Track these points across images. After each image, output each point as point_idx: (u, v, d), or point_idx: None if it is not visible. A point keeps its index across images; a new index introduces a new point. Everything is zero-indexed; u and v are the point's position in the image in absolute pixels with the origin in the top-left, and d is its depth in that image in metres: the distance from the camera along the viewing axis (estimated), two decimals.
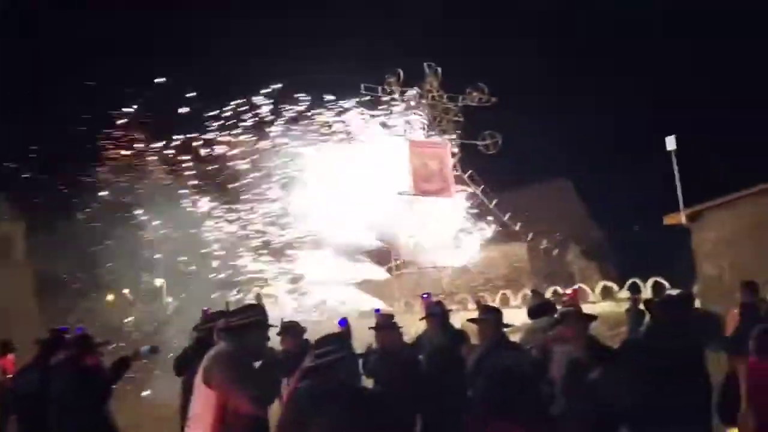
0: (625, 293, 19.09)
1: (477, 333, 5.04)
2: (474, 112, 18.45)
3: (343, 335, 3.66)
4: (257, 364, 3.71)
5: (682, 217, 16.69)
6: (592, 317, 4.31)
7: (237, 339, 3.63)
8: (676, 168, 16.45)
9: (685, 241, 17.21)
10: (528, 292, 6.30)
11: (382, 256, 19.89)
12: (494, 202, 22.04)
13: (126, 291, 24.67)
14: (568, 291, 4.91)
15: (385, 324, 5.46)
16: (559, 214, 32.51)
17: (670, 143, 16.63)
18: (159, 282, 24.49)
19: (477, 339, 5.14)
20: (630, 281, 20.21)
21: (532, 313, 5.99)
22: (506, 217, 22.95)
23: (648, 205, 19.55)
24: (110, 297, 24.88)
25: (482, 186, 19.29)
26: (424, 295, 7.05)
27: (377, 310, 5.85)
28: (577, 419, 3.78)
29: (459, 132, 18.90)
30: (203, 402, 3.51)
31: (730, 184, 16.33)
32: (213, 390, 3.44)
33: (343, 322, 5.19)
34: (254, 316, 3.76)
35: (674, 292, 16.08)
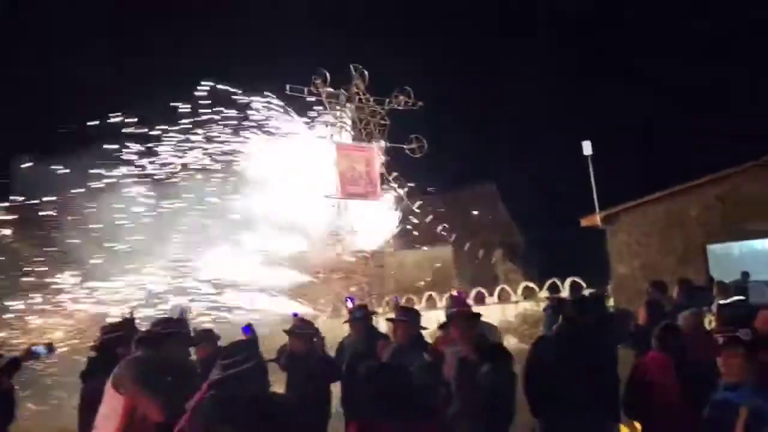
0: (545, 293, 19.75)
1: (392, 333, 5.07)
2: (401, 115, 18.62)
3: (250, 343, 3.56)
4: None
5: (597, 219, 17.45)
6: (476, 317, 4.44)
7: (154, 349, 3.65)
8: (591, 172, 17.16)
9: (601, 242, 18.00)
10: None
11: (308, 260, 19.72)
12: (417, 205, 22.28)
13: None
14: (454, 293, 5.06)
15: (293, 328, 5.44)
16: (483, 217, 33.35)
17: (587, 148, 17.34)
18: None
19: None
20: (549, 282, 20.94)
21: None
22: (428, 219, 23.27)
23: (567, 208, 20.30)
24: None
25: (406, 189, 19.49)
26: (348, 299, 7.02)
27: (294, 314, 5.78)
28: (470, 417, 3.91)
29: (385, 135, 18.97)
30: (112, 406, 3.50)
31: (643, 188, 17.24)
32: (122, 395, 3.45)
33: (247, 329, 5.08)
34: (175, 327, 3.81)
35: (588, 291, 16.80)
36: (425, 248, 32.49)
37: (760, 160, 15.21)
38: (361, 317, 5.76)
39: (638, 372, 4.61)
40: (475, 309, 9.41)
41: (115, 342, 4.41)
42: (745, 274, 12.62)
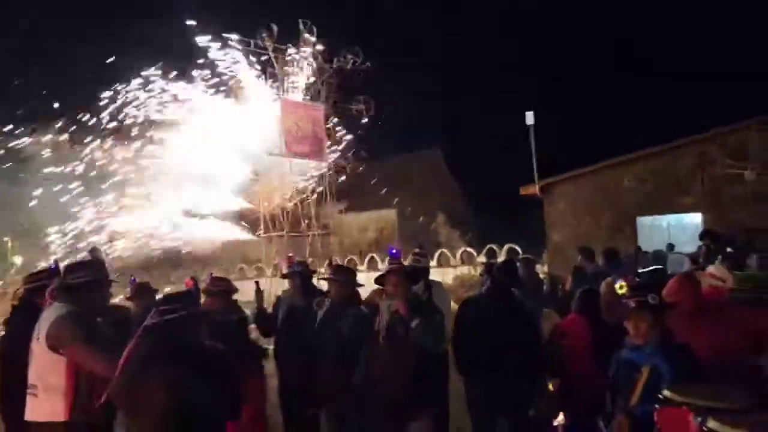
0: (483, 258, 20.30)
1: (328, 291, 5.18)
2: (350, 75, 18.36)
3: (190, 294, 3.59)
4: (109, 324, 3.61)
5: (536, 189, 17.92)
6: (412, 274, 4.58)
7: (76, 299, 3.48)
8: (533, 142, 17.52)
9: (540, 211, 18.55)
10: None
11: (250, 218, 19.51)
12: (362, 168, 22.29)
13: None
14: (393, 250, 5.19)
15: (208, 287, 5.45)
16: (428, 182, 33.68)
17: (529, 118, 17.64)
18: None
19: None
20: (487, 247, 21.51)
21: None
22: (373, 182, 23.34)
23: (510, 177, 20.72)
24: None
25: (354, 150, 19.41)
26: (290, 257, 7.05)
27: (210, 275, 5.79)
28: (401, 371, 4.09)
29: (333, 95, 18.72)
30: (50, 366, 3.36)
31: (582, 160, 17.77)
32: (63, 355, 3.31)
33: (191, 282, 5.07)
34: (92, 274, 3.62)
35: (522, 257, 17.36)
36: (370, 212, 32.71)
37: (689, 138, 15.92)
38: (299, 271, 5.82)
39: (556, 333, 4.88)
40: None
41: (37, 291, 4.24)
42: (671, 246, 13.28)
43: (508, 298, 4.87)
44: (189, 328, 3.19)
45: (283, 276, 6.07)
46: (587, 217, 17.11)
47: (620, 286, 3.23)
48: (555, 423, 4.76)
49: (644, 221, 16.78)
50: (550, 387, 5.12)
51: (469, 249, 22.48)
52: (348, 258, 22.90)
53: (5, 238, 23.14)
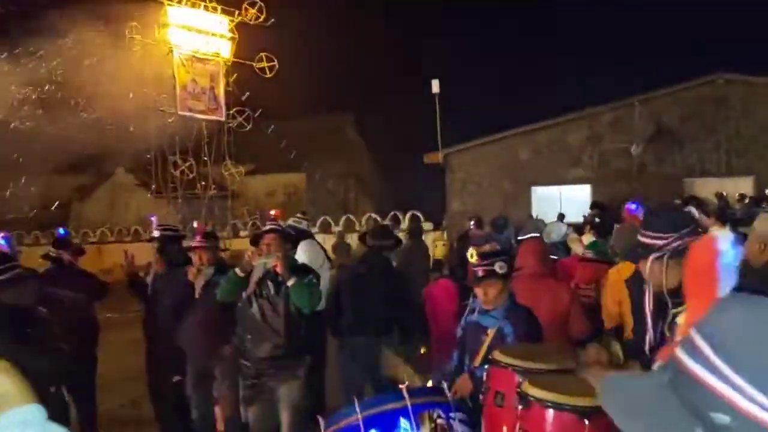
0: (387, 224, 20.43)
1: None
2: (251, 31, 17.56)
3: (5, 256, 3.36)
4: None
5: (439, 157, 18.15)
6: (291, 236, 4.51)
7: None
8: (438, 110, 17.60)
9: (442, 179, 18.84)
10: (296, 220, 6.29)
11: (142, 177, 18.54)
12: (270, 129, 21.64)
13: None
14: (272, 212, 5.11)
15: None
16: (338, 146, 33.42)
17: (435, 86, 17.66)
18: None
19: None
20: (391, 213, 21.68)
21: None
22: (282, 145, 22.78)
23: (417, 145, 20.85)
24: None
25: (259, 111, 18.72)
26: (151, 218, 6.68)
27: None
28: (272, 331, 4.01)
29: (233, 50, 17.87)
30: None
31: (486, 129, 18.10)
32: None
33: (5, 240, 4.73)
34: None
35: (426, 224, 17.62)
36: (277, 174, 32.09)
37: (582, 113, 16.58)
38: (159, 236, 5.55)
39: (427, 297, 4.91)
40: (319, 237, 9.48)
41: None
42: (561, 216, 13.85)
43: (381, 263, 4.84)
44: (7, 291, 3.13)
45: (149, 240, 5.76)
46: (486, 187, 17.56)
47: (470, 254, 3.22)
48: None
49: (539, 191, 17.42)
50: (422, 350, 5.17)
51: (373, 215, 22.55)
52: (251, 222, 22.36)
53: None
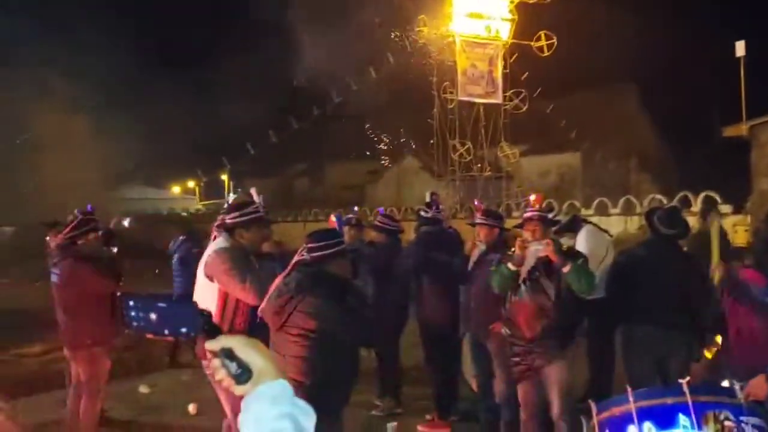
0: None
1: None
2: (530, 10, 17.31)
3: (334, 232, 3.87)
4: None
5: (743, 130, 15.85)
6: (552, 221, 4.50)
7: (232, 235, 3.76)
8: (743, 76, 15.35)
9: (745, 155, 16.43)
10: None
11: None
12: (550, 108, 21.21)
13: None
14: (531, 197, 4.90)
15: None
16: (619, 121, 31.25)
17: (740, 48, 15.43)
18: None
19: None
20: (680, 195, 19.63)
21: None
22: (562, 124, 22.06)
23: (711, 116, 18.48)
24: None
25: (538, 90, 18.25)
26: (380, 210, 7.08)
27: (380, 212, 6.08)
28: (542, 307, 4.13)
29: (512, 31, 17.73)
30: (207, 293, 3.64)
31: None
32: (215, 283, 3.66)
33: (336, 217, 5.41)
34: (248, 214, 3.81)
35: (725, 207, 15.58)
36: (551, 155, 31.29)
37: None
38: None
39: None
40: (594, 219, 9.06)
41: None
42: None
43: (668, 248, 4.52)
44: (333, 263, 3.45)
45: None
46: None
47: None
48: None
49: None
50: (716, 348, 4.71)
51: (658, 196, 20.68)
52: (524, 203, 22.34)
53: None
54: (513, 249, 4.23)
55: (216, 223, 4.02)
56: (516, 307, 4.28)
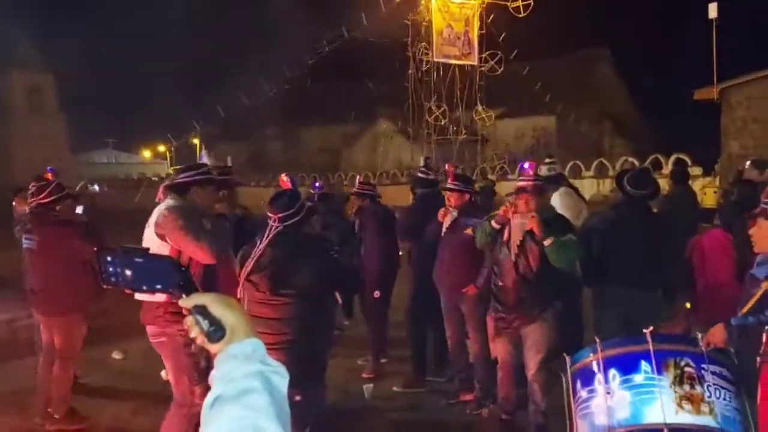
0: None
1: None
2: None
3: (296, 194, 3.88)
4: None
5: (714, 93, 16.03)
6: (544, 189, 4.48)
7: (181, 195, 3.69)
8: (714, 39, 15.45)
9: (716, 118, 16.65)
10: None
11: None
12: (525, 71, 21.16)
13: None
14: (525, 165, 4.85)
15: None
16: (592, 85, 31.37)
17: (713, 10, 15.48)
18: None
19: None
20: (652, 156, 19.90)
21: None
22: (537, 87, 22.05)
23: (682, 79, 18.61)
24: None
25: (515, 53, 18.09)
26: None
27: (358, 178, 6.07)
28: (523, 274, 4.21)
29: None
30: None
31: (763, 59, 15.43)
32: (167, 243, 3.56)
33: (287, 181, 5.37)
34: (198, 174, 3.77)
35: (694, 169, 15.80)
36: (526, 118, 31.41)
37: None
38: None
39: (694, 248, 4.53)
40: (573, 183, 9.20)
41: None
42: None
43: (635, 209, 4.56)
44: (305, 225, 3.62)
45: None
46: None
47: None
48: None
49: None
50: (687, 305, 4.83)
51: (630, 158, 20.96)
52: (499, 165, 22.47)
53: None
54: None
55: (164, 184, 3.94)
56: (505, 269, 4.31)
